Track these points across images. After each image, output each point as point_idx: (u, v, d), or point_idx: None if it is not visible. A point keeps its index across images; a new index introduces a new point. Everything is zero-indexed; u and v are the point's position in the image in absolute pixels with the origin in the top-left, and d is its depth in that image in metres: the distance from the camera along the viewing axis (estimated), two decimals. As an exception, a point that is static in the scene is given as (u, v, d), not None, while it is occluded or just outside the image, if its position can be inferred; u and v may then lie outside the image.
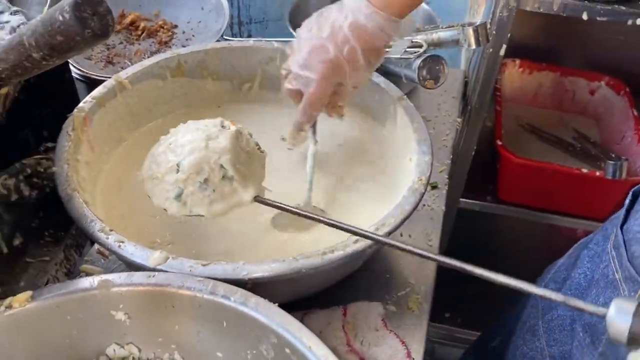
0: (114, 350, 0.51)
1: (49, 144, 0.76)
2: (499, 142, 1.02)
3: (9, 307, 0.47)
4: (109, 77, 0.77)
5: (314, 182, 0.68)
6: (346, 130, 0.77)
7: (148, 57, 1.00)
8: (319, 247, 0.53)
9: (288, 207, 0.56)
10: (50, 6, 0.59)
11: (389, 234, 0.55)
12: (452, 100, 0.96)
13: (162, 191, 0.56)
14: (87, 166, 0.65)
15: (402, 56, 0.78)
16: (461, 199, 1.08)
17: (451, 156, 0.85)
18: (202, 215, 0.56)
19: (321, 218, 0.56)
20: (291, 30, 0.91)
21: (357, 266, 0.63)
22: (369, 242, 0.53)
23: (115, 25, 1.05)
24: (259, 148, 0.62)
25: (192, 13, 1.07)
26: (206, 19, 1.05)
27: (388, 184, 0.69)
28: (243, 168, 0.57)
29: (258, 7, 1.52)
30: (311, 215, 0.56)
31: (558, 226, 1.10)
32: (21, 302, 0.48)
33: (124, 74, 0.72)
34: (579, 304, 0.42)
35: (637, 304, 0.39)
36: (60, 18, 0.35)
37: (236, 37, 1.57)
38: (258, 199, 0.57)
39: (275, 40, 0.84)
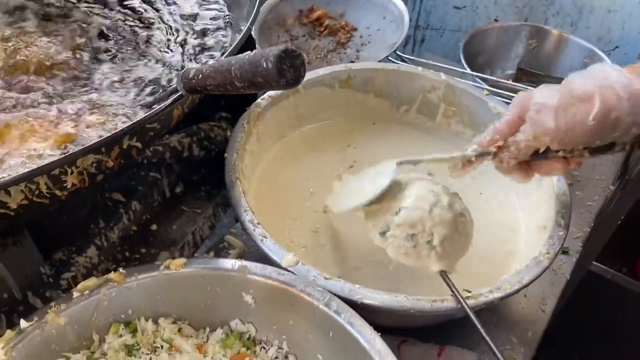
0: (236, 324, 0.60)
1: (223, 114, 0.88)
2: (652, 219, 0.96)
3: (167, 267, 0.58)
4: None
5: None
6: (493, 175, 0.78)
7: (324, 54, 1.08)
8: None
9: (461, 297, 0.57)
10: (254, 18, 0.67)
11: (501, 298, 0.57)
12: (610, 164, 0.92)
13: (374, 220, 0.62)
14: (251, 155, 0.74)
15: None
16: (593, 262, 1.03)
17: (592, 224, 0.83)
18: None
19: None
20: (464, 63, 0.93)
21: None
22: (480, 301, 0.56)
23: (303, 18, 1.15)
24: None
25: (374, 20, 1.12)
26: (385, 29, 1.09)
27: (516, 243, 0.70)
28: (448, 243, 0.60)
29: (438, 15, 1.53)
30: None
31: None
32: (177, 266, 0.58)
33: (300, 78, 0.80)
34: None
35: None
36: (264, 64, 0.42)
37: (409, 41, 1.61)
38: (442, 274, 0.60)
39: (445, 67, 0.88)
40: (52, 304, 0.54)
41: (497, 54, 1.05)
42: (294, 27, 1.14)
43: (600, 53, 0.99)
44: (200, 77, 0.50)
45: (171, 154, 0.78)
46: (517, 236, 0.72)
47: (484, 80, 0.87)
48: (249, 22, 0.66)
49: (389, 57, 1.00)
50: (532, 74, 1.00)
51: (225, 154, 0.70)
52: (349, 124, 0.85)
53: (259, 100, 0.77)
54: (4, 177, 0.49)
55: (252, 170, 0.74)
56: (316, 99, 0.82)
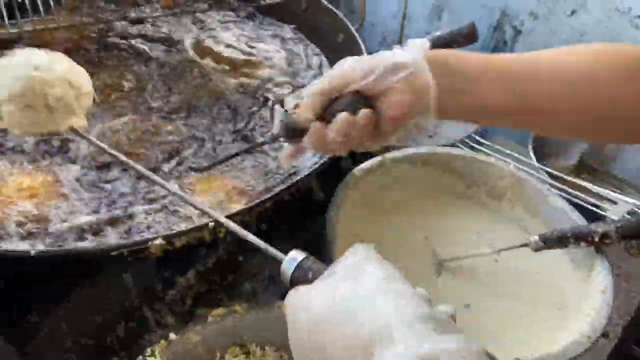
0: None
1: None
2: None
3: (279, 307, 0.73)
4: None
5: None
6: (540, 259, 0.88)
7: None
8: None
9: (101, 145, 0.61)
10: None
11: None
12: (656, 261, 1.01)
13: None
14: (343, 216, 0.88)
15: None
16: (633, 346, 1.12)
17: (633, 314, 0.93)
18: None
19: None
20: (531, 155, 1.06)
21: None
22: None
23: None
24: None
25: (453, 100, 1.26)
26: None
27: (562, 323, 0.82)
28: (67, 100, 0.62)
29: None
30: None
31: None
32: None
33: (389, 156, 0.95)
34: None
35: (305, 256, 0.50)
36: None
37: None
38: (73, 129, 0.63)
39: (514, 155, 1.01)
40: (191, 324, 0.70)
41: (562, 144, 1.17)
42: (382, 98, 1.30)
43: (658, 157, 1.10)
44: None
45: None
46: (564, 316, 0.83)
47: (548, 173, 1.00)
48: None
49: (465, 139, 1.14)
50: (592, 168, 1.12)
51: (326, 215, 0.85)
52: (426, 196, 0.99)
53: (354, 170, 0.92)
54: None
55: (344, 229, 0.89)
56: (399, 172, 0.97)
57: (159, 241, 0.66)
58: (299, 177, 0.81)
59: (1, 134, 0.96)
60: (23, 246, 0.72)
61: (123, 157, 0.62)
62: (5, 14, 0.96)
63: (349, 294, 0.43)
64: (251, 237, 0.55)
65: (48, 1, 0.99)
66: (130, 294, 0.83)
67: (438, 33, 0.85)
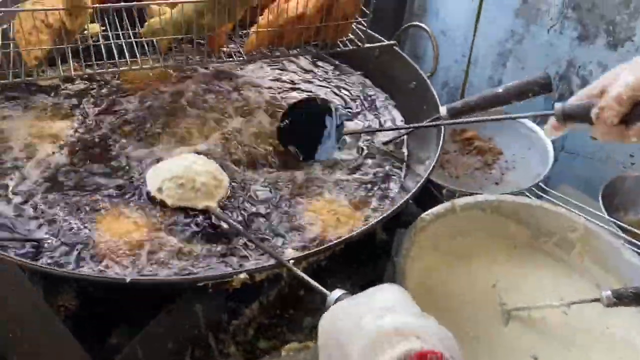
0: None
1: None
2: None
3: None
4: (438, 182, 1.05)
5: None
6: (612, 314, 0.86)
7: (471, 171, 1.25)
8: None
9: (234, 223, 0.84)
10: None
11: None
12: None
13: (153, 181, 0.93)
14: (411, 259, 0.90)
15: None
16: None
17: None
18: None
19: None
20: (602, 208, 1.05)
21: None
22: None
23: (456, 136, 1.33)
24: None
25: (520, 149, 1.27)
26: (530, 159, 1.24)
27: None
28: (208, 187, 0.91)
29: (574, 141, 1.64)
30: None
31: None
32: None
33: (459, 202, 0.96)
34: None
35: (345, 292, 0.62)
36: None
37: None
38: (208, 209, 0.89)
39: (582, 206, 1.01)
40: (267, 357, 0.73)
41: (632, 197, 1.15)
42: (448, 142, 1.32)
43: None
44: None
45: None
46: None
47: (619, 226, 0.99)
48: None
49: (532, 187, 1.14)
50: (664, 223, 1.10)
51: (395, 258, 0.87)
52: (494, 243, 0.99)
53: (423, 215, 0.94)
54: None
55: (412, 272, 0.90)
56: (469, 218, 0.98)
57: (243, 275, 0.69)
58: (370, 223, 0.83)
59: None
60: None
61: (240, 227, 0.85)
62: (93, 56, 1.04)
63: (360, 304, 0.56)
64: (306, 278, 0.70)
65: (134, 49, 1.07)
66: (200, 323, 0.86)
67: (514, 83, 0.87)
